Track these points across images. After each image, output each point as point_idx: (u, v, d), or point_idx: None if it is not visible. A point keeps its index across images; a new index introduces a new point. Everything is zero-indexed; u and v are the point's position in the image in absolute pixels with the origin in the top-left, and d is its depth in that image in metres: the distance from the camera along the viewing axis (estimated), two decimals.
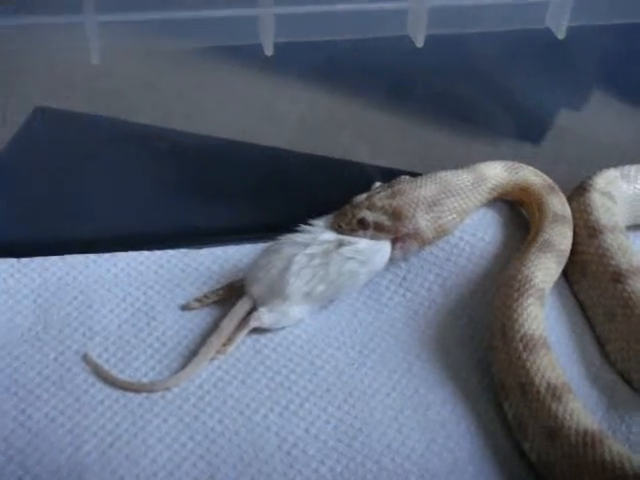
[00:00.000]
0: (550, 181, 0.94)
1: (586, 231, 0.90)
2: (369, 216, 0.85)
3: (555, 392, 0.73)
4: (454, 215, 0.89)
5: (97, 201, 0.95)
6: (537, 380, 0.74)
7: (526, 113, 1.00)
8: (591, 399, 0.81)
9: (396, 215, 0.86)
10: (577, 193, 0.95)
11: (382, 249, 0.86)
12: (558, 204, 0.91)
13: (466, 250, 0.91)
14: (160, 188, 0.97)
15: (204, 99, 0.92)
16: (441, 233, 0.89)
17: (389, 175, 0.90)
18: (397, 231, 0.86)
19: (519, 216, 0.96)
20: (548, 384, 0.74)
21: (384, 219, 0.86)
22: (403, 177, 0.90)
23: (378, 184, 0.91)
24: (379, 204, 0.86)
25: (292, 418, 0.76)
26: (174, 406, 0.76)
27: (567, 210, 0.91)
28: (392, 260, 0.88)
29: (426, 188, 0.88)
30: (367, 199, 0.87)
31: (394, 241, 0.87)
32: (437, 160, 0.95)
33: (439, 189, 0.88)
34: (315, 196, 0.98)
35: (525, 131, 1.00)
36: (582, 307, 0.89)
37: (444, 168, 0.89)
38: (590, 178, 0.95)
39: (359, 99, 0.94)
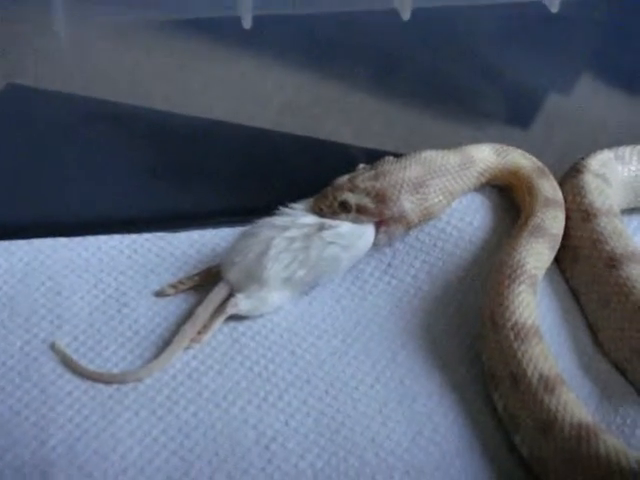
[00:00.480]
0: (540, 164, 0.90)
1: (579, 215, 0.87)
2: (351, 198, 0.82)
3: (548, 383, 0.70)
4: (440, 197, 0.85)
5: (68, 182, 0.91)
6: (529, 371, 0.71)
7: (515, 97, 0.98)
8: (584, 390, 0.77)
9: (380, 197, 0.82)
10: (570, 175, 0.91)
11: (365, 233, 0.83)
12: (549, 188, 0.88)
13: (454, 235, 0.88)
14: (135, 169, 0.94)
15: (182, 78, 0.89)
16: (427, 216, 0.85)
17: (374, 157, 0.87)
18: (381, 214, 0.83)
19: (508, 201, 0.92)
20: (540, 375, 0.71)
21: (367, 201, 0.82)
22: (387, 158, 0.86)
23: (362, 166, 0.87)
24: (362, 186, 0.82)
25: (271, 410, 0.73)
26: (146, 398, 0.73)
27: (558, 194, 0.88)
28: (376, 245, 0.85)
29: (411, 169, 0.84)
30: (349, 181, 0.83)
31: (378, 225, 0.84)
32: (423, 143, 0.91)
33: (425, 170, 0.84)
34: (297, 179, 0.94)
35: (514, 115, 0.99)
36: (574, 294, 0.86)
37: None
38: (583, 159, 0.92)
39: (344, 79, 0.92)
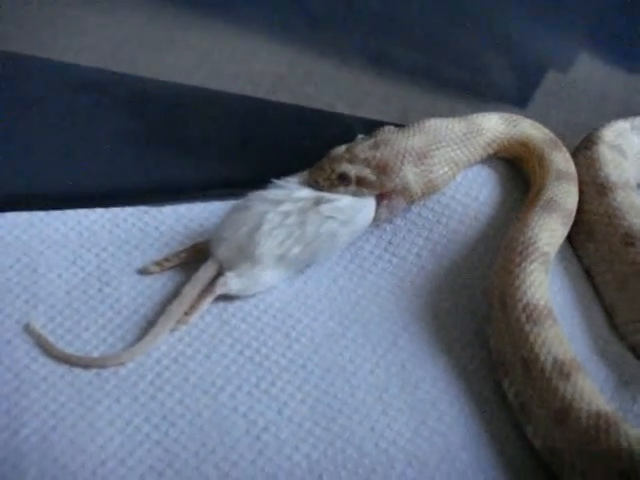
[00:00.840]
0: (552, 135, 0.85)
1: (594, 189, 0.82)
2: (350, 170, 0.77)
3: (563, 369, 0.65)
4: (445, 168, 0.80)
5: (47, 152, 0.87)
6: (542, 355, 0.67)
7: (513, 74, 0.97)
8: (599, 376, 0.73)
9: (381, 168, 0.77)
10: (583, 147, 0.87)
11: (365, 207, 0.78)
12: (561, 160, 0.83)
13: (458, 211, 0.84)
14: (118, 139, 0.89)
15: (170, 48, 0.87)
16: (430, 189, 0.80)
17: (373, 127, 0.84)
18: (382, 186, 0.77)
19: (517, 173, 0.88)
20: (555, 360, 0.66)
21: (367, 173, 0.77)
22: (387, 127, 0.82)
23: (360, 136, 0.82)
24: (361, 156, 0.77)
25: (262, 397, 0.69)
26: (128, 384, 0.69)
27: (571, 166, 0.83)
28: (377, 220, 0.80)
29: (414, 138, 0.79)
30: (347, 151, 0.78)
31: (379, 198, 0.79)
32: (418, 118, 0.87)
33: (429, 139, 0.79)
34: (292, 150, 0.91)
35: (512, 92, 0.97)
36: (588, 274, 0.82)
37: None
38: (598, 130, 0.87)
39: (339, 53, 0.91)
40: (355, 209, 0.77)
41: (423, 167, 0.78)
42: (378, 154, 0.77)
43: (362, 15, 0.87)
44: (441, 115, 0.87)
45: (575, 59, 0.96)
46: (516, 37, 0.92)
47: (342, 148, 0.79)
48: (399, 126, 0.82)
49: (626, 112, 0.93)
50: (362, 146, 0.78)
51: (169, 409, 0.68)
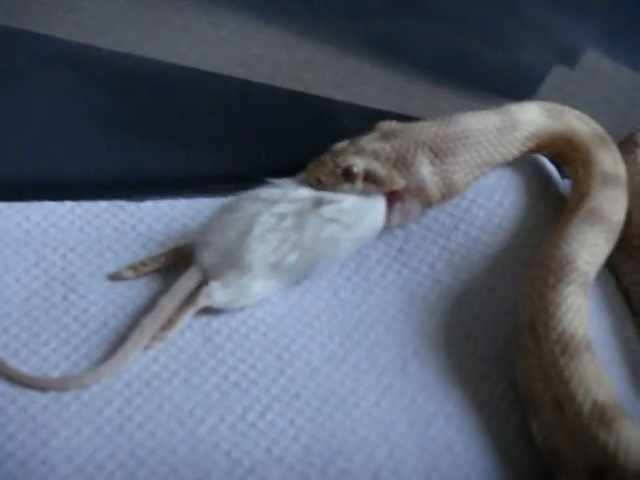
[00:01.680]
0: (600, 130, 0.76)
1: (637, 198, 0.74)
2: (357, 163, 0.69)
3: (604, 415, 0.57)
4: (472, 169, 0.72)
5: (10, 134, 0.79)
6: (579, 396, 0.58)
7: (518, 69, 0.92)
8: (637, 415, 0.63)
9: (392, 160, 0.69)
10: (624, 149, 0.78)
11: (374, 208, 0.70)
12: (610, 161, 0.73)
13: (480, 217, 0.76)
14: (96, 122, 0.82)
15: (162, 23, 0.82)
16: (452, 192, 0.72)
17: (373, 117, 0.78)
18: (393, 182, 0.69)
19: (550, 173, 0.80)
20: (594, 403, 0.57)
21: (377, 166, 0.69)
22: (390, 121, 0.73)
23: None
24: (369, 148, 0.69)
25: (249, 432, 0.61)
26: (91, 411, 0.61)
27: (621, 169, 0.74)
28: (388, 225, 0.72)
29: (434, 129, 0.71)
30: (352, 143, 0.71)
31: (391, 199, 0.70)
32: (418, 110, 0.84)
33: (452, 132, 0.71)
34: (290, 142, 0.86)
35: (515, 88, 0.90)
36: (627, 296, 0.74)
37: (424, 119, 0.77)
38: None
39: (337, 42, 0.86)
40: (362, 211, 0.69)
41: (444, 166, 0.70)
42: (388, 146, 0.69)
43: (365, 1, 0.83)
44: (441, 106, 0.87)
45: (582, 55, 0.91)
46: (522, 30, 0.87)
47: (345, 142, 0.72)
48: (399, 116, 0.76)
49: (634, 111, 0.90)
50: (368, 137, 0.71)
51: (138, 444, 0.59)
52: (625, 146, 0.78)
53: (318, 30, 0.84)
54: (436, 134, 0.70)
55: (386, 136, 0.70)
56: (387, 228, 0.72)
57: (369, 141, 0.70)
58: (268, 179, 0.70)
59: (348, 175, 0.68)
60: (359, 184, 0.69)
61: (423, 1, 0.82)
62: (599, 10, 0.87)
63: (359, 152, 0.69)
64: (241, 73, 0.84)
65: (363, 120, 0.80)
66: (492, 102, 0.86)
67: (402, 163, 0.69)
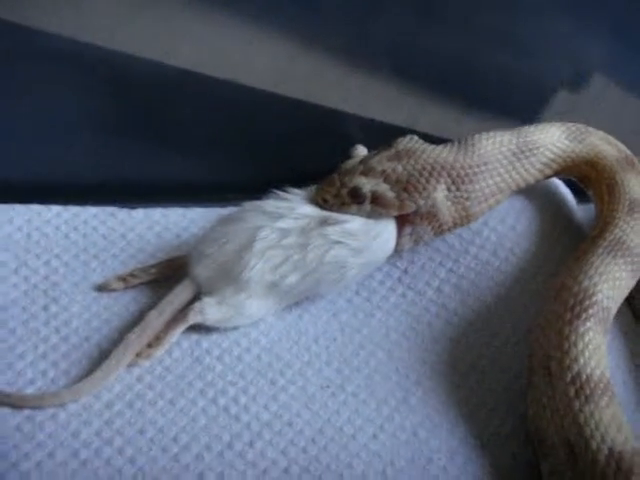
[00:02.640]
0: (628, 152, 0.73)
1: None
2: (365, 184, 0.65)
3: (621, 464, 0.52)
4: (488, 197, 0.68)
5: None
6: (594, 443, 0.54)
7: (524, 90, 0.89)
8: None
9: (402, 183, 0.65)
10: None
11: (384, 232, 0.66)
12: (638, 187, 0.69)
13: (491, 240, 0.73)
14: (89, 124, 0.80)
15: (164, 25, 0.78)
16: (465, 220, 0.68)
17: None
18: (402, 206, 0.65)
19: (565, 198, 0.77)
20: (610, 450, 0.53)
21: (385, 188, 0.65)
22: (410, 136, 0.70)
23: (362, 149, 0.72)
24: (379, 168, 0.65)
25: (237, 462, 0.57)
26: (67, 433, 0.57)
27: None
28: (398, 251, 0.68)
29: (451, 154, 0.67)
30: (362, 163, 0.67)
31: (401, 223, 0.66)
32: (423, 128, 0.82)
33: (471, 160, 0.67)
34: (294, 151, 0.84)
35: (520, 109, 0.89)
36: None
37: (431, 134, 0.77)
38: None
39: (348, 51, 0.83)
40: (371, 234, 0.65)
41: (459, 193, 0.66)
42: (400, 167, 0.65)
43: (375, 15, 0.80)
44: (446, 124, 0.85)
45: (588, 80, 0.89)
46: (530, 53, 0.85)
47: (355, 160, 0.68)
48: (407, 131, 0.73)
49: (638, 138, 0.85)
50: (379, 157, 0.67)
51: (117, 471, 0.56)
52: None
53: (326, 41, 0.81)
54: (455, 160, 0.66)
55: (399, 156, 0.66)
56: (397, 253, 0.68)
57: (380, 160, 0.66)
58: (275, 190, 0.66)
59: (355, 196, 0.65)
60: (367, 205, 0.65)
61: (433, 17, 0.81)
62: (608, 34, 0.85)
63: (368, 172, 0.65)
64: (244, 80, 0.81)
65: (370, 133, 0.80)
66: (498, 120, 0.87)
67: (414, 186, 0.65)
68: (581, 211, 0.76)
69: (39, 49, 0.76)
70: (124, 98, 0.80)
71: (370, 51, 0.84)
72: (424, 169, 0.65)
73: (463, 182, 0.66)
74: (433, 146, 0.67)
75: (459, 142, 0.68)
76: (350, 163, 0.68)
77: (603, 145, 0.72)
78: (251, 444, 0.58)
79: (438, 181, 0.65)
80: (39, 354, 0.61)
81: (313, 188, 0.67)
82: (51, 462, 0.55)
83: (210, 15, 0.78)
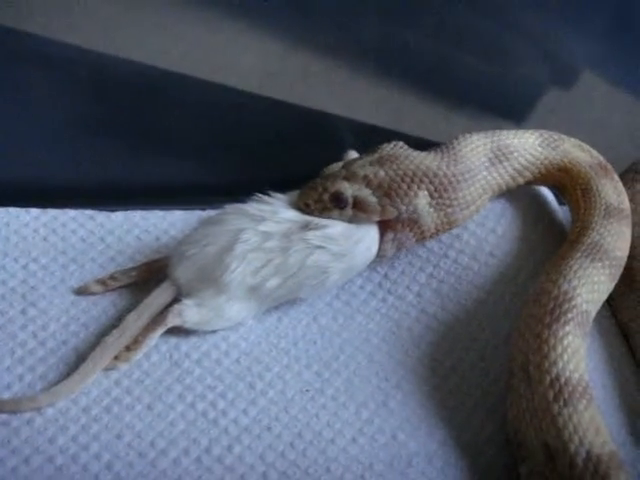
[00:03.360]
0: (601, 159, 0.72)
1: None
2: (347, 189, 0.64)
3: (598, 467, 0.52)
4: (470, 205, 0.67)
5: None
6: (572, 446, 0.53)
7: (513, 88, 0.89)
8: (636, 463, 0.60)
9: (384, 189, 0.64)
10: (629, 179, 0.74)
11: (366, 237, 0.65)
12: (613, 192, 0.69)
13: (471, 244, 0.72)
14: (69, 127, 0.79)
15: (152, 26, 0.78)
16: (446, 227, 0.67)
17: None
18: (384, 212, 0.64)
19: (546, 200, 0.76)
20: (588, 453, 0.53)
21: (367, 193, 0.64)
22: (396, 142, 0.69)
23: (351, 152, 0.71)
24: (361, 173, 0.65)
25: (215, 467, 0.56)
26: (43, 438, 0.56)
27: (624, 200, 0.70)
28: (381, 257, 0.67)
29: (433, 160, 0.66)
30: (345, 167, 0.66)
31: (383, 229, 0.66)
32: (412, 127, 0.84)
33: (455, 168, 0.66)
34: (279, 155, 0.83)
35: (509, 107, 0.89)
36: (625, 332, 0.69)
37: (418, 136, 0.77)
38: None
39: (335, 51, 0.82)
40: (352, 240, 0.64)
41: (442, 200, 0.65)
42: (382, 172, 0.64)
43: (362, 14, 0.80)
44: (434, 122, 0.85)
45: (578, 77, 0.89)
46: (518, 49, 0.85)
47: (338, 164, 0.67)
48: (393, 133, 0.74)
49: (627, 136, 0.89)
50: (362, 161, 0.66)
51: (93, 476, 0.55)
52: (628, 175, 0.74)
53: (313, 41, 0.81)
54: (438, 167, 0.65)
55: (382, 162, 0.65)
56: (380, 258, 0.67)
57: (362, 165, 0.65)
58: (257, 194, 0.66)
59: (337, 201, 0.64)
60: (349, 210, 0.64)
61: (420, 16, 0.80)
62: (597, 32, 0.84)
63: (350, 177, 0.64)
64: (232, 81, 0.81)
65: (356, 134, 0.80)
66: (486, 119, 0.87)
67: (396, 192, 0.64)
68: (563, 212, 0.75)
69: (22, 51, 0.75)
70: (105, 100, 0.79)
71: (356, 52, 0.83)
72: (406, 175, 0.64)
73: (446, 190, 0.65)
74: (417, 152, 0.66)
75: (441, 149, 0.67)
76: (332, 168, 0.67)
77: (576, 152, 0.71)
78: (229, 449, 0.57)
79: (420, 188, 0.64)
80: (16, 359, 0.60)
81: (296, 193, 0.66)
82: (26, 468, 0.54)
83: (196, 17, 0.77)
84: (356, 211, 0.64)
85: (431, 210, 0.65)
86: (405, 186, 0.64)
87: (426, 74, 0.86)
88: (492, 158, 0.68)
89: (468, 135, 0.68)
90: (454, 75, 0.86)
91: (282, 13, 0.78)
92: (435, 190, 0.64)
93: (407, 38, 0.82)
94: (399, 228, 0.65)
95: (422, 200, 0.64)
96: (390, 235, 0.65)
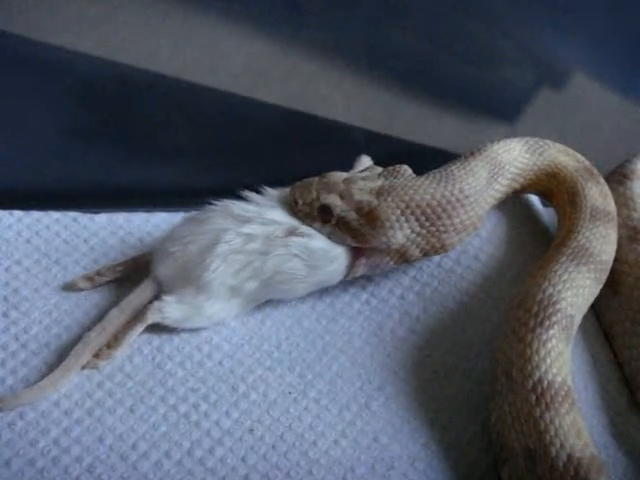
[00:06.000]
0: (587, 163, 0.72)
1: (625, 232, 0.69)
2: (336, 207, 0.63)
3: (579, 470, 0.52)
4: (467, 228, 0.66)
5: None
6: (553, 449, 0.53)
7: (504, 89, 0.89)
8: (617, 469, 0.60)
9: (371, 219, 0.63)
10: (615, 181, 0.73)
11: (339, 259, 0.64)
12: (598, 195, 0.69)
13: (455, 248, 0.69)
14: (53, 128, 0.78)
15: (140, 27, 0.77)
16: (441, 250, 0.66)
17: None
18: (363, 240, 0.64)
19: (531, 203, 0.76)
20: (569, 457, 0.52)
21: (353, 218, 0.63)
22: (405, 168, 0.67)
23: (367, 160, 0.71)
24: (357, 197, 0.63)
25: (196, 469, 0.56)
26: (24, 441, 0.56)
27: (610, 204, 0.69)
28: (349, 278, 0.66)
29: (430, 187, 0.64)
30: (345, 182, 0.64)
31: (356, 253, 0.65)
32: (401, 128, 0.84)
33: (450, 192, 0.64)
34: (267, 157, 0.82)
35: (501, 108, 0.89)
36: (608, 334, 0.69)
37: (408, 137, 0.77)
38: (630, 162, 0.74)
39: (325, 53, 0.82)
40: (327, 257, 0.64)
41: (433, 228, 0.64)
42: (375, 202, 0.63)
43: (352, 16, 0.80)
44: (426, 123, 0.85)
45: (570, 79, 0.89)
46: (510, 51, 0.85)
47: (342, 176, 0.65)
48: (385, 137, 0.75)
49: (618, 138, 0.88)
50: (363, 184, 0.64)
51: (75, 479, 0.54)
52: (614, 178, 0.74)
53: (303, 42, 0.80)
54: (433, 197, 0.63)
55: (380, 192, 0.63)
56: (349, 279, 0.66)
57: (361, 190, 0.64)
58: (246, 192, 0.65)
59: (324, 213, 0.63)
60: (330, 227, 0.64)
61: (410, 18, 0.80)
62: (588, 34, 0.85)
63: (345, 196, 0.63)
64: (223, 82, 0.80)
65: (346, 137, 0.80)
66: (477, 121, 0.87)
67: (382, 224, 0.63)
68: (547, 214, 0.75)
69: (6, 52, 0.74)
70: (90, 102, 0.78)
71: (347, 54, 0.82)
72: (398, 207, 0.63)
73: (439, 218, 0.64)
74: (418, 181, 0.64)
75: (441, 175, 0.65)
76: (334, 177, 0.65)
77: (562, 156, 0.71)
78: (211, 451, 0.57)
79: (407, 219, 0.63)
80: None
81: (287, 190, 0.65)
82: (7, 471, 0.53)
83: (185, 18, 0.76)
84: (336, 229, 0.63)
85: (418, 238, 0.64)
86: (393, 218, 0.62)
87: (417, 76, 0.85)
88: (489, 179, 0.67)
89: (464, 161, 0.67)
90: (445, 77, 0.86)
91: (271, 14, 0.77)
92: (426, 220, 0.63)
93: (398, 40, 0.82)
94: (373, 255, 0.64)
95: (404, 231, 0.63)
96: (363, 259, 0.64)
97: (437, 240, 0.64)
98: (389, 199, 0.62)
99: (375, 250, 0.64)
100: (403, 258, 0.65)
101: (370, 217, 0.62)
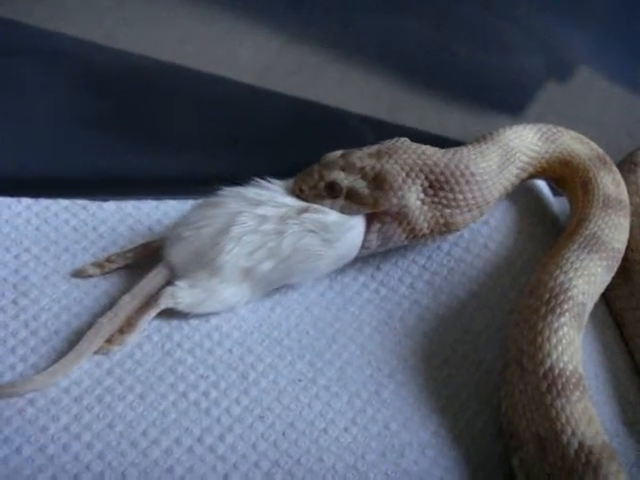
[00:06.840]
0: (600, 151, 0.71)
1: (637, 220, 0.69)
2: (342, 180, 0.64)
3: (590, 457, 0.52)
4: (473, 210, 0.66)
5: None
6: (564, 437, 0.53)
7: (509, 81, 0.89)
8: (628, 457, 0.59)
9: (378, 181, 0.63)
10: (626, 170, 0.73)
11: (355, 228, 0.65)
12: (611, 183, 0.68)
13: (464, 236, 0.72)
14: (63, 117, 0.78)
15: (149, 18, 0.77)
16: (445, 230, 0.66)
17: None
18: (375, 204, 0.64)
19: (541, 191, 0.75)
20: (580, 444, 0.52)
21: (361, 185, 0.64)
22: (402, 138, 0.67)
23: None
24: (358, 164, 0.64)
25: (207, 456, 0.56)
26: (35, 428, 0.56)
27: (623, 192, 0.69)
28: (365, 248, 0.66)
29: (435, 155, 0.65)
30: (343, 157, 0.66)
31: (370, 220, 0.65)
32: (405, 118, 0.84)
33: (455, 167, 0.65)
34: (274, 145, 0.83)
35: (506, 101, 0.89)
36: (618, 322, 0.69)
37: (415, 126, 0.78)
38: None
39: (332, 44, 0.82)
40: (343, 228, 0.64)
41: (436, 198, 0.64)
42: (379, 165, 0.64)
43: (359, 7, 0.80)
44: (431, 115, 0.85)
45: (575, 71, 0.89)
46: (516, 43, 0.85)
47: (337, 153, 0.66)
48: (388, 125, 0.75)
49: (624, 129, 0.88)
50: (361, 153, 0.65)
51: (85, 466, 0.54)
52: (625, 166, 0.73)
53: (309, 34, 0.80)
54: (436, 163, 0.64)
55: (380, 154, 0.65)
56: (365, 250, 0.66)
57: (361, 157, 0.65)
58: (256, 179, 0.65)
59: (331, 190, 0.64)
60: (341, 200, 0.64)
61: (416, 9, 0.80)
62: (594, 26, 0.85)
63: (347, 167, 0.64)
64: (229, 74, 0.80)
65: (353, 126, 0.81)
66: (484, 111, 0.87)
67: (390, 185, 0.63)
68: (557, 204, 0.75)
69: (14, 42, 0.74)
70: (99, 91, 0.78)
71: (353, 44, 0.83)
72: (402, 169, 0.63)
73: (442, 188, 0.64)
74: (422, 146, 0.65)
75: (451, 150, 0.66)
76: (331, 156, 0.66)
77: (575, 144, 0.71)
78: (221, 438, 0.57)
79: (414, 182, 0.63)
80: (8, 348, 0.60)
81: (292, 180, 0.66)
82: (18, 457, 0.53)
83: (193, 9, 0.76)
84: (348, 201, 0.64)
85: (425, 207, 0.64)
86: (400, 179, 0.63)
87: (423, 67, 0.85)
88: (500, 164, 0.67)
89: (477, 146, 0.67)
90: (452, 68, 0.85)
91: (279, 6, 0.77)
92: (430, 186, 0.64)
93: (404, 31, 0.82)
94: (387, 220, 0.64)
95: (413, 194, 0.63)
96: (376, 226, 0.65)
97: (441, 215, 0.65)
98: (392, 160, 0.64)
99: (387, 216, 0.64)
100: (413, 232, 0.65)
101: (377, 180, 0.63)
